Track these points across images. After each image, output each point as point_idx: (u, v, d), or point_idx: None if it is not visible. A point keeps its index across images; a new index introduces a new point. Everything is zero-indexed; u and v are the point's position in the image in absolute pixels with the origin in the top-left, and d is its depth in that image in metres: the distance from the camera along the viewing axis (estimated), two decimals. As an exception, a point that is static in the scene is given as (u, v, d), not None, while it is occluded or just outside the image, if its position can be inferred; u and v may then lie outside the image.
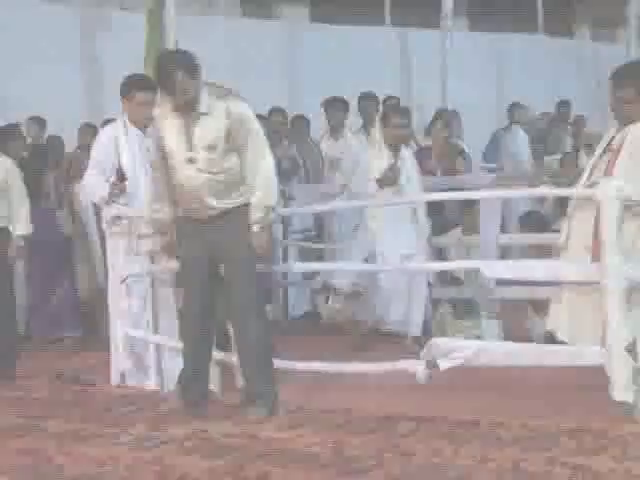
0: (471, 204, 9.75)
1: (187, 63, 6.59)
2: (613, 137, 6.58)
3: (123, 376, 8.03)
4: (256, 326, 6.80)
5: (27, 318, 10.64)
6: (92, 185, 8.11)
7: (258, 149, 6.69)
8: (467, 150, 12.19)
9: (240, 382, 8.00)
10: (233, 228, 6.71)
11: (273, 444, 5.99)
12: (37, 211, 10.41)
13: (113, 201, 7.94)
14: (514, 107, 15.21)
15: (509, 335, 8.76)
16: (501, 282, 8.67)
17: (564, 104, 16.57)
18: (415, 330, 9.13)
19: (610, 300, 6.19)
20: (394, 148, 9.39)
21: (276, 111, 11.86)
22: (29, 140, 11.90)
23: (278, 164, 8.12)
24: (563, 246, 6.75)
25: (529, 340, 8.26)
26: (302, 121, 12.15)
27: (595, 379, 6.36)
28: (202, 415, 6.74)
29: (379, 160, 9.32)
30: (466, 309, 9.36)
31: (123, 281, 7.98)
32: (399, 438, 5.97)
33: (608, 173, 6.43)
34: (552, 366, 6.62)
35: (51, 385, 8.09)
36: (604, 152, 6.60)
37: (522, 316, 9.42)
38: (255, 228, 6.71)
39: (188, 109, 6.61)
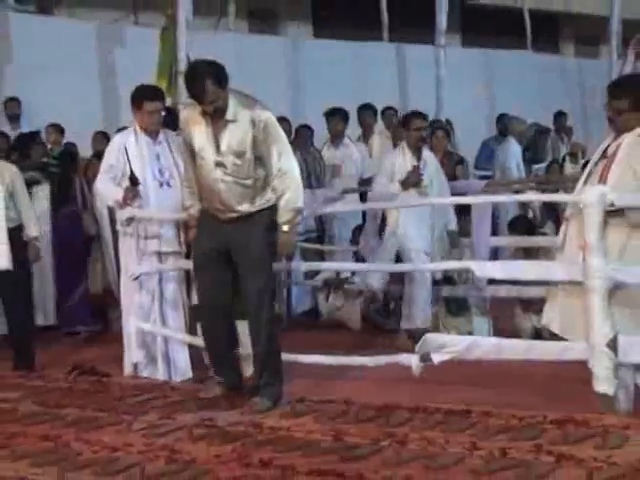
0: (465, 209, 9.76)
1: (217, 73, 6.51)
2: (609, 145, 6.57)
3: (136, 367, 8.03)
4: (268, 321, 6.78)
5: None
6: (106, 189, 8.10)
7: (283, 155, 6.62)
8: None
9: (248, 373, 8.03)
10: (251, 227, 6.65)
11: (276, 432, 5.98)
12: (65, 213, 10.48)
13: (127, 204, 7.92)
14: (503, 118, 15.26)
15: (498, 332, 8.77)
16: (491, 282, 8.67)
17: (561, 115, 16.60)
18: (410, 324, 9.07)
19: (592, 299, 6.18)
20: (416, 150, 9.32)
21: (281, 120, 11.83)
22: (49, 146, 11.91)
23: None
24: (560, 247, 6.74)
25: (517, 336, 8.26)
26: (305, 130, 12.14)
27: (579, 373, 6.36)
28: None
29: (402, 162, 9.26)
30: (459, 307, 9.35)
31: (136, 278, 7.98)
32: (395, 427, 5.93)
33: (602, 179, 6.41)
34: (539, 360, 6.61)
35: (68, 376, 8.05)
36: (600, 159, 6.59)
37: (511, 314, 9.41)
38: (284, 228, 6.66)
39: (216, 116, 6.56)
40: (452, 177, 10.55)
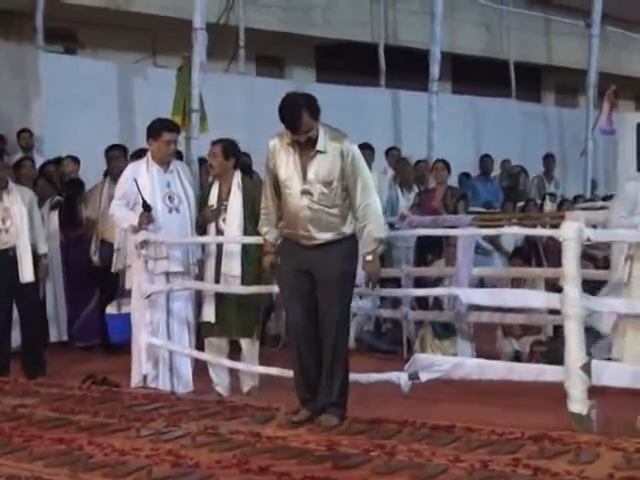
0: (449, 240, 9.79)
1: (311, 104, 6.31)
2: None
3: (145, 379, 7.99)
4: (344, 344, 6.53)
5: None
6: (121, 214, 8.09)
7: (366, 187, 6.41)
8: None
9: (245, 388, 7.99)
10: (333, 255, 6.38)
11: (274, 441, 5.94)
12: (73, 236, 10.45)
13: (143, 228, 7.91)
14: (485, 158, 15.35)
15: (481, 354, 8.71)
16: (475, 308, 8.63)
17: (549, 157, 16.66)
18: None
19: (569, 325, 6.17)
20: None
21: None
22: (67, 175, 11.90)
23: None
24: (626, 283, 6.71)
25: (498, 359, 8.22)
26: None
27: (555, 394, 6.35)
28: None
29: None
30: (445, 330, 9.31)
31: (148, 297, 7.95)
32: (384, 439, 5.90)
33: None
34: (518, 381, 6.59)
35: (82, 385, 8.02)
36: None
37: (493, 338, 9.38)
38: (368, 258, 6.47)
39: (306, 146, 6.34)
40: (453, 211, 10.56)
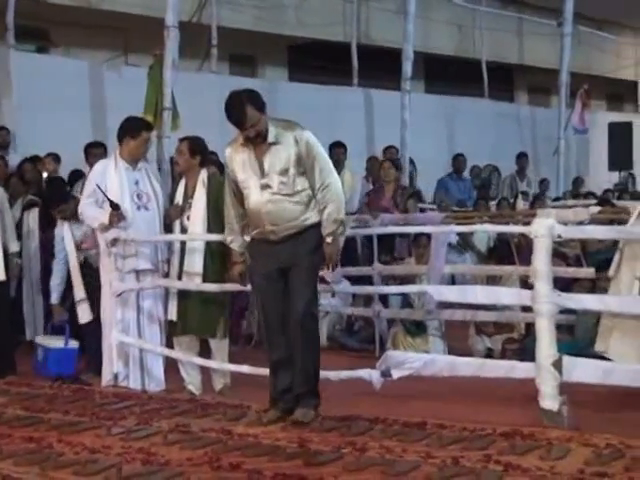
0: (419, 238, 9.82)
1: (255, 98, 6.34)
2: None
3: (116, 377, 7.95)
4: (314, 335, 6.54)
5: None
6: (90, 212, 8.03)
7: (324, 170, 6.43)
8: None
9: (217, 386, 7.97)
10: (301, 246, 6.41)
11: (245, 439, 5.92)
12: (50, 235, 10.35)
13: (115, 226, 7.88)
14: (458, 157, 15.40)
15: (453, 352, 8.72)
16: (447, 305, 8.65)
17: (522, 156, 16.72)
18: None
19: (540, 322, 6.18)
20: None
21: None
22: (45, 174, 11.82)
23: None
24: (613, 276, 6.72)
25: (471, 357, 8.21)
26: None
27: (526, 390, 6.37)
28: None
29: None
30: (417, 328, 9.32)
31: (119, 295, 7.92)
32: (355, 436, 5.90)
33: None
34: (490, 377, 6.60)
35: (53, 384, 7.97)
36: None
37: (465, 336, 9.40)
38: (328, 240, 6.43)
39: (258, 141, 6.36)
40: (404, 210, 10.54)
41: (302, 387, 6.44)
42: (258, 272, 6.58)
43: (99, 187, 7.89)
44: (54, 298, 9.01)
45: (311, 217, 6.46)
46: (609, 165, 19.40)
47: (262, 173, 6.40)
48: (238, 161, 6.48)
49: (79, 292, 8.61)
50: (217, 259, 7.85)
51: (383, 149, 13.62)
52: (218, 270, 7.82)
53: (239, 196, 6.57)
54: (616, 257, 6.80)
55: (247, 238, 6.68)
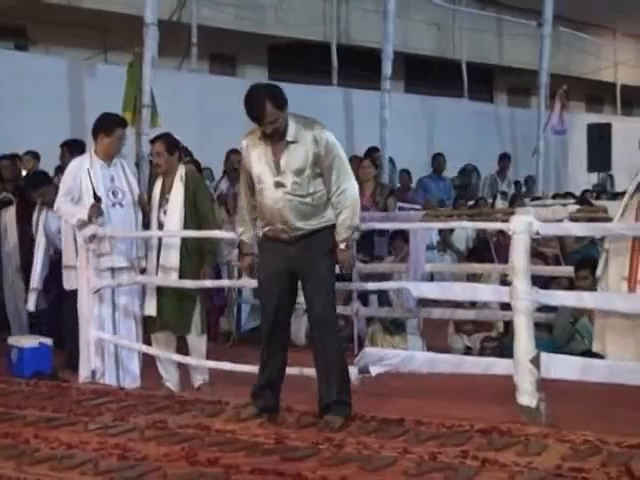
0: (398, 237, 9.82)
1: (275, 94, 6.17)
2: None
3: (94, 374, 7.93)
4: (335, 337, 6.41)
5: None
6: (67, 209, 7.99)
7: (342, 173, 6.27)
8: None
9: (195, 383, 7.95)
10: (314, 249, 6.26)
11: (223, 434, 5.91)
12: (28, 233, 10.30)
13: (93, 222, 7.85)
14: (437, 157, 15.42)
15: (432, 350, 8.71)
16: (427, 304, 8.65)
17: (504, 157, 16.76)
18: None
19: (518, 319, 6.19)
20: None
21: (235, 152, 11.78)
22: (24, 171, 11.77)
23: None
24: (600, 277, 6.73)
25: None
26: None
27: (504, 386, 6.37)
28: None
29: None
30: (395, 326, 9.31)
31: (96, 292, 7.89)
32: (332, 432, 5.89)
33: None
34: (468, 374, 6.62)
35: (29, 380, 7.94)
36: (635, 192, 6.64)
37: (444, 335, 9.41)
38: (341, 246, 6.30)
39: (276, 138, 6.20)
40: (383, 208, 10.55)
41: (328, 398, 6.28)
42: (265, 270, 6.44)
43: (89, 173, 7.86)
44: (35, 282, 8.97)
45: (324, 219, 6.31)
46: (588, 166, 19.48)
47: (278, 170, 6.23)
48: (255, 154, 6.31)
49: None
50: (192, 254, 7.85)
51: (365, 152, 13.60)
52: (193, 265, 7.83)
53: (252, 188, 6.42)
54: (602, 257, 6.80)
55: (258, 232, 6.55)
